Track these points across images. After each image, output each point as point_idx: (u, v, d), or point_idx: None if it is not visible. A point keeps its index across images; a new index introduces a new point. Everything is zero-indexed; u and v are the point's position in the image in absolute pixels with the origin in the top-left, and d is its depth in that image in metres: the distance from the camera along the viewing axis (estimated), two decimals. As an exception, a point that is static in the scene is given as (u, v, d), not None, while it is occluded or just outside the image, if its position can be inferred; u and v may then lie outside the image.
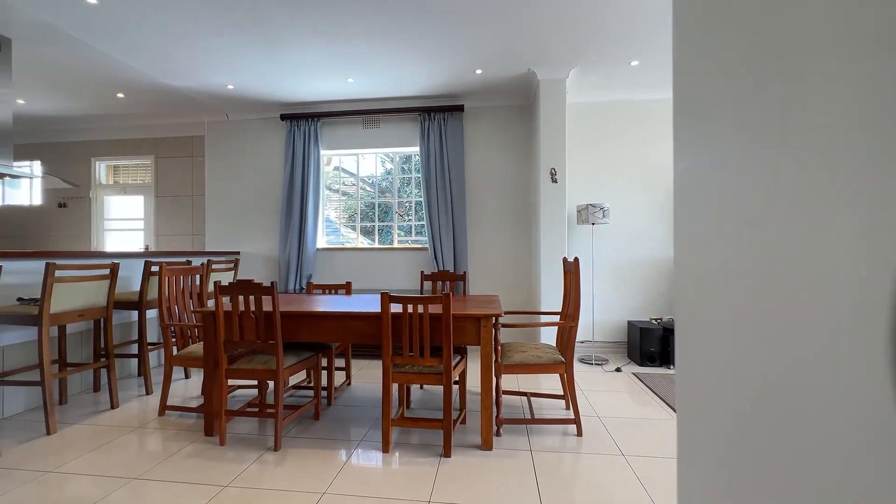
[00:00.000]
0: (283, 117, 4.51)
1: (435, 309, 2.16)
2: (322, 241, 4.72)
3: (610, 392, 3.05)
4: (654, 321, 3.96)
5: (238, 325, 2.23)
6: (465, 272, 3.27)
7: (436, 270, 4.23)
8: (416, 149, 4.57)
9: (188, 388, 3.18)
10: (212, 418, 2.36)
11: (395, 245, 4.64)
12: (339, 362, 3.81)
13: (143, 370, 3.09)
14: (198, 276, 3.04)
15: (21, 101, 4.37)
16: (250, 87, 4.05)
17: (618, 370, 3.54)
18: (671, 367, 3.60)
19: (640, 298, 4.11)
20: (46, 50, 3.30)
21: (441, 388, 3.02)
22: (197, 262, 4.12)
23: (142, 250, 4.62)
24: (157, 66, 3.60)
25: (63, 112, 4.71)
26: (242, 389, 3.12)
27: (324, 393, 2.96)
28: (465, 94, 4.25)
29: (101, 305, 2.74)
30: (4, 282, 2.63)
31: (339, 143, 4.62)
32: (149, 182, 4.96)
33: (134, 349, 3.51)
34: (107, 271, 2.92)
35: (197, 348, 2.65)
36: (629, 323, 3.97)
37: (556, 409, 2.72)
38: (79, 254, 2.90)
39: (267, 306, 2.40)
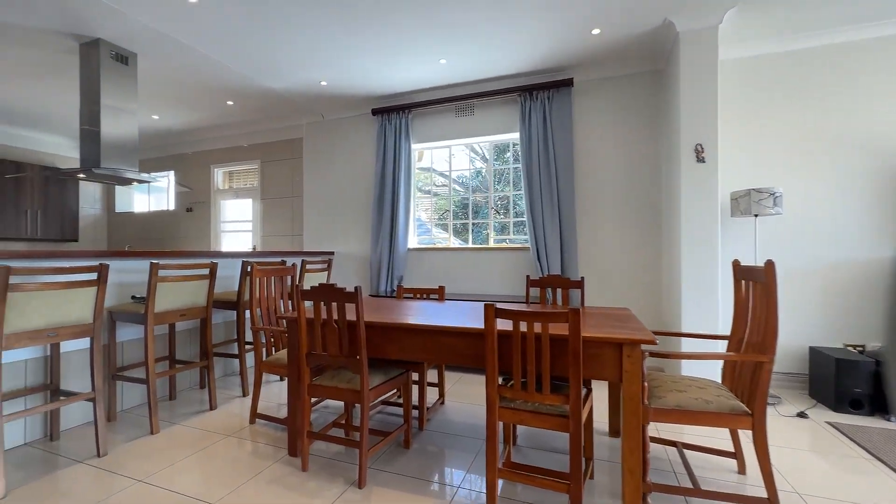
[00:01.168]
0: (375, 112, 4.33)
1: (558, 328, 1.61)
2: (413, 241, 4.44)
3: (800, 450, 2.16)
4: (853, 349, 2.85)
5: (321, 336, 1.94)
6: (581, 278, 2.64)
7: (540, 273, 3.64)
8: (514, 135, 4.03)
9: (282, 391, 3.08)
10: (295, 437, 2.12)
11: (491, 245, 4.15)
12: (431, 374, 3.44)
13: (240, 369, 3.06)
14: (289, 278, 2.91)
15: (155, 117, 4.87)
16: (342, 80, 3.91)
17: (802, 415, 2.57)
18: (892, 418, 2.51)
19: (827, 317, 3.01)
20: (167, 63, 3.51)
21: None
22: (292, 262, 4.11)
23: (245, 250, 4.79)
24: (258, 69, 3.63)
25: (187, 125, 5.17)
26: (332, 399, 2.90)
27: (414, 412, 2.60)
28: (575, 64, 3.58)
29: (201, 305, 2.73)
30: (123, 280, 2.75)
31: (431, 135, 4.29)
32: (255, 185, 5.22)
33: (235, 348, 3.57)
34: (206, 271, 2.94)
35: (285, 356, 2.47)
36: (812, 350, 2.91)
37: (725, 471, 1.96)
38: (180, 253, 2.96)
39: (351, 315, 2.09)
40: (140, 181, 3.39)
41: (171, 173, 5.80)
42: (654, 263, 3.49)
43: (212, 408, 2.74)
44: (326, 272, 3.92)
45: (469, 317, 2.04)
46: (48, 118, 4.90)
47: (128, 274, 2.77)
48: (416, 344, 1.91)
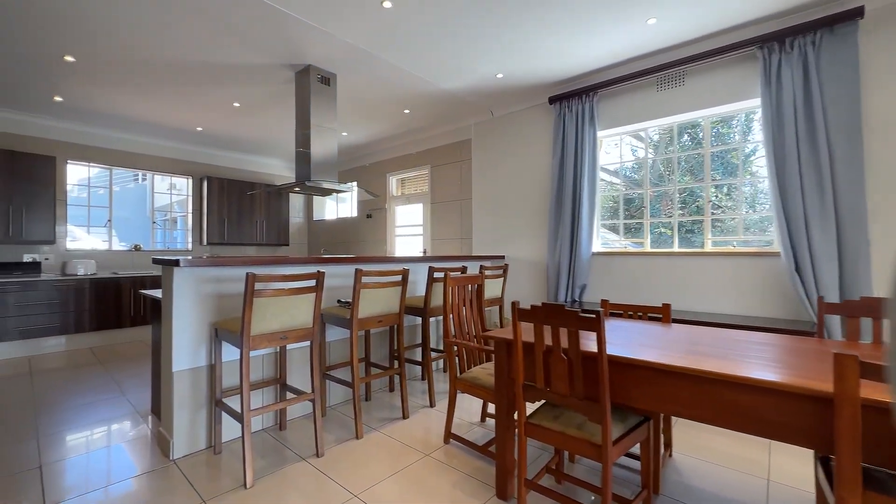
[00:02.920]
0: (552, 100, 3.88)
1: None
2: (597, 244, 3.83)
3: None
4: None
5: (543, 367, 1.58)
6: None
7: (800, 289, 2.62)
8: (748, 103, 3.05)
9: (472, 406, 2.89)
10: (505, 478, 1.81)
11: (709, 249, 3.24)
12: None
13: (427, 378, 2.98)
14: (475, 286, 2.69)
15: (344, 134, 5.41)
16: (519, 69, 3.58)
17: None
18: None
19: None
20: (359, 79, 3.73)
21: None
22: (460, 266, 3.96)
23: (424, 255, 4.87)
24: (438, 71, 3.57)
25: (367, 138, 5.62)
26: (554, 446, 2.55)
27: (632, 462, 2.04)
28: (866, -14, 2.46)
29: (395, 312, 2.72)
30: (328, 284, 2.93)
31: (619, 118, 3.61)
32: (425, 190, 5.34)
33: (418, 353, 3.57)
34: (399, 278, 2.94)
35: (482, 374, 2.22)
36: None
37: None
38: (373, 259, 3.01)
39: (588, 345, 1.67)
40: (339, 191, 3.68)
41: (355, 184, 6.45)
42: None
43: (404, 416, 2.70)
44: (502, 279, 3.65)
45: (760, 362, 1.40)
46: (267, 144, 5.94)
47: (330, 278, 2.94)
48: (683, 394, 1.37)
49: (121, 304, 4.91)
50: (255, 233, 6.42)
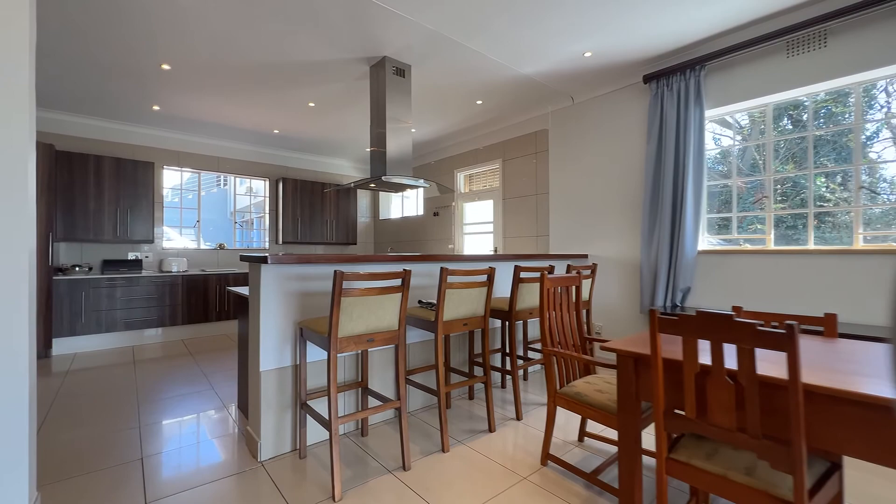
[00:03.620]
0: (648, 78, 3.44)
1: None
2: (703, 242, 3.32)
3: None
4: None
5: (693, 392, 1.25)
6: None
7: None
8: (921, 63, 2.42)
9: (569, 422, 2.59)
10: (632, 520, 1.50)
11: (860, 246, 2.65)
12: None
13: (513, 389, 2.72)
14: (573, 288, 2.38)
15: (413, 130, 5.31)
16: (610, 45, 3.19)
17: None
18: None
19: None
20: (434, 69, 3.57)
21: None
22: (554, 268, 3.65)
23: (492, 253, 4.63)
24: (517, 52, 3.30)
25: (436, 134, 5.48)
26: (716, 494, 2.21)
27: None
28: None
29: (480, 314, 2.49)
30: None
31: (736, 93, 3.09)
32: (496, 185, 5.08)
33: (496, 359, 3.33)
34: (484, 278, 2.71)
35: (588, 390, 1.92)
36: None
37: None
38: (448, 258, 2.81)
39: (768, 367, 1.31)
40: (414, 187, 3.54)
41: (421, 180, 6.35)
42: None
43: (490, 429, 2.46)
44: (590, 279, 3.28)
45: None
46: (337, 144, 6.03)
47: (413, 277, 2.79)
48: (925, 442, 0.98)
49: (208, 299, 5.21)
50: (326, 232, 6.56)
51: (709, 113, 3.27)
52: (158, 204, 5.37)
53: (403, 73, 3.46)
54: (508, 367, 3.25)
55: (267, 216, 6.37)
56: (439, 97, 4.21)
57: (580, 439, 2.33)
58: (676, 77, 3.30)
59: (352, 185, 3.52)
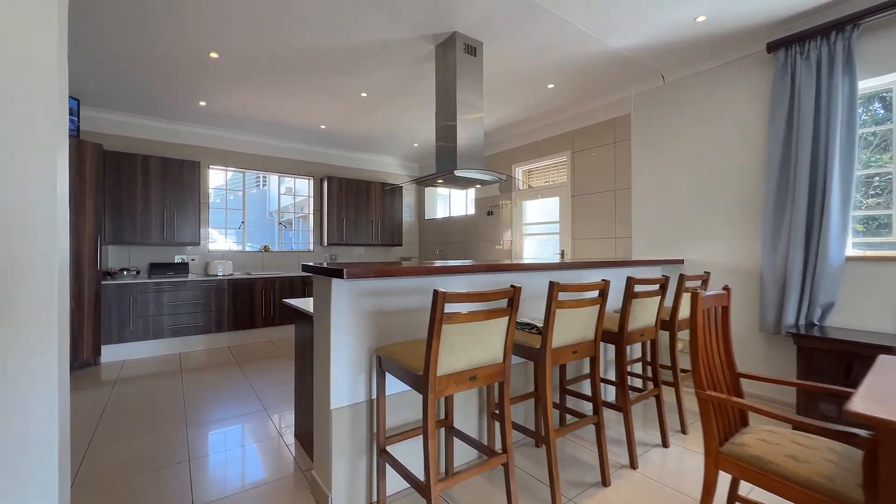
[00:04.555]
0: (773, 47, 2.82)
1: None
2: (849, 247, 2.68)
3: None
4: None
5: None
6: None
7: None
8: None
9: (692, 468, 2.06)
10: None
11: None
12: None
13: (625, 429, 2.22)
14: (718, 309, 1.84)
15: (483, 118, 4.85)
16: (730, 6, 2.61)
17: None
18: None
19: None
20: (507, 45, 3.10)
21: None
22: (667, 278, 3.11)
23: (559, 260, 4.11)
24: (609, 23, 2.78)
25: (494, 125, 5.00)
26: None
27: None
28: None
29: (590, 339, 2.01)
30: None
31: (903, 59, 2.43)
32: (563, 181, 4.55)
33: (586, 386, 2.82)
34: (595, 293, 2.22)
35: (771, 453, 1.39)
36: None
37: None
38: (548, 265, 2.32)
39: None
40: (489, 182, 3.08)
41: (494, 175, 5.89)
42: None
43: (604, 482, 1.97)
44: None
45: None
46: (384, 140, 5.66)
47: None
48: None
49: (254, 304, 4.98)
50: (371, 233, 6.23)
51: (864, 83, 2.61)
52: (204, 205, 5.19)
53: (475, 51, 3.00)
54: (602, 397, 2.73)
55: (311, 216, 6.11)
56: (506, 82, 3.73)
57: (731, 505, 1.80)
58: (816, 42, 2.67)
59: (414, 181, 3.11)
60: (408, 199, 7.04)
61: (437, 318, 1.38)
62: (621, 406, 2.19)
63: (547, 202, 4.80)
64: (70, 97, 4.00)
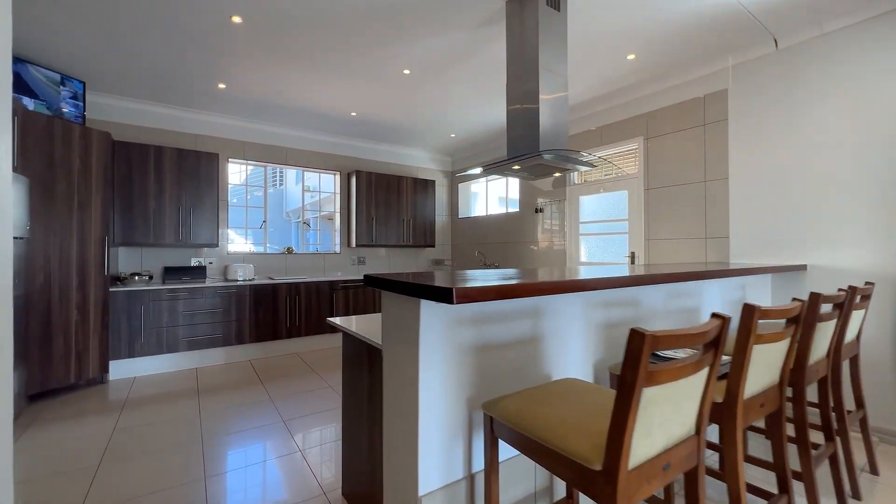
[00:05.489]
0: (956, -12, 2.16)
1: None
2: None
3: None
4: None
5: None
6: None
7: None
8: None
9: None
10: None
11: None
12: None
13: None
14: None
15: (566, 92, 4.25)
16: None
17: None
18: None
19: None
20: (584, 4, 2.50)
21: None
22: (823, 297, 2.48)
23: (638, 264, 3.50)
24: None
25: (545, 110, 4.40)
26: None
27: None
28: None
29: (775, 384, 1.40)
30: (601, 318, 1.73)
31: None
32: (633, 172, 3.92)
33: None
34: (782, 322, 1.61)
35: None
36: None
37: None
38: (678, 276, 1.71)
39: None
40: (583, 165, 2.48)
41: (585, 155, 5.30)
42: None
43: (799, 593, 1.36)
44: (864, 311, 2.07)
45: None
46: (420, 130, 5.10)
47: (612, 309, 1.74)
48: None
49: (277, 312, 4.46)
50: (402, 233, 5.68)
51: None
52: (223, 202, 4.70)
53: (558, 4, 2.41)
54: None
55: (337, 215, 5.58)
56: (579, 52, 3.13)
57: None
58: None
59: (484, 166, 2.54)
60: (442, 194, 6.48)
61: (638, 376, 0.79)
62: (802, 473, 1.57)
63: (612, 197, 4.17)
64: (74, 78, 3.52)
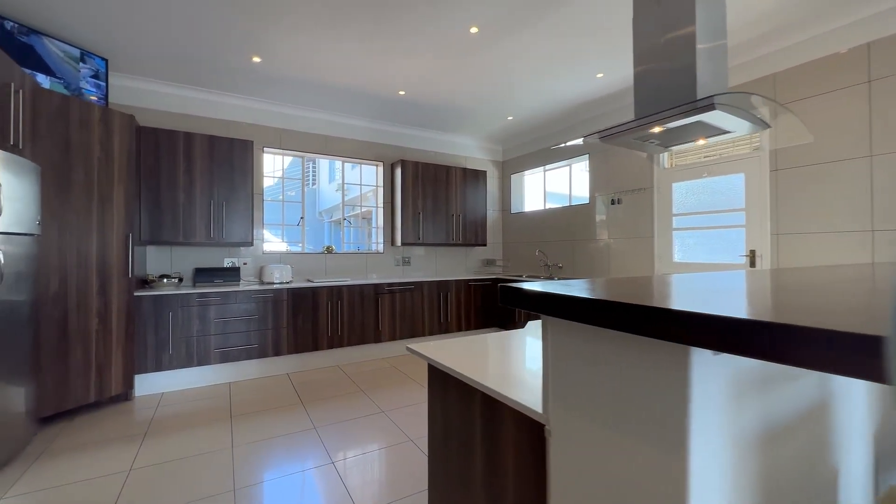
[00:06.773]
0: None
1: None
2: None
3: None
4: None
5: None
6: None
7: None
8: None
9: None
10: None
11: None
12: None
13: None
14: None
15: (600, 75, 3.56)
16: None
17: None
18: None
19: None
20: None
21: None
22: None
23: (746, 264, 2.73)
24: None
25: (627, 81, 3.69)
26: None
27: None
28: None
29: None
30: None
31: None
32: (748, 151, 3.14)
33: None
34: None
35: None
36: None
37: None
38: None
39: None
40: (748, 131, 1.78)
41: (587, 157, 4.60)
42: None
43: None
44: None
45: None
46: (474, 112, 4.49)
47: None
48: None
49: (317, 319, 3.95)
50: (451, 230, 5.07)
51: None
52: (258, 196, 4.24)
53: None
54: None
55: (380, 210, 5.04)
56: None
57: None
58: None
59: (616, 130, 1.87)
60: (493, 188, 5.84)
61: None
62: None
63: (714, 183, 3.40)
64: (95, 55, 3.11)
